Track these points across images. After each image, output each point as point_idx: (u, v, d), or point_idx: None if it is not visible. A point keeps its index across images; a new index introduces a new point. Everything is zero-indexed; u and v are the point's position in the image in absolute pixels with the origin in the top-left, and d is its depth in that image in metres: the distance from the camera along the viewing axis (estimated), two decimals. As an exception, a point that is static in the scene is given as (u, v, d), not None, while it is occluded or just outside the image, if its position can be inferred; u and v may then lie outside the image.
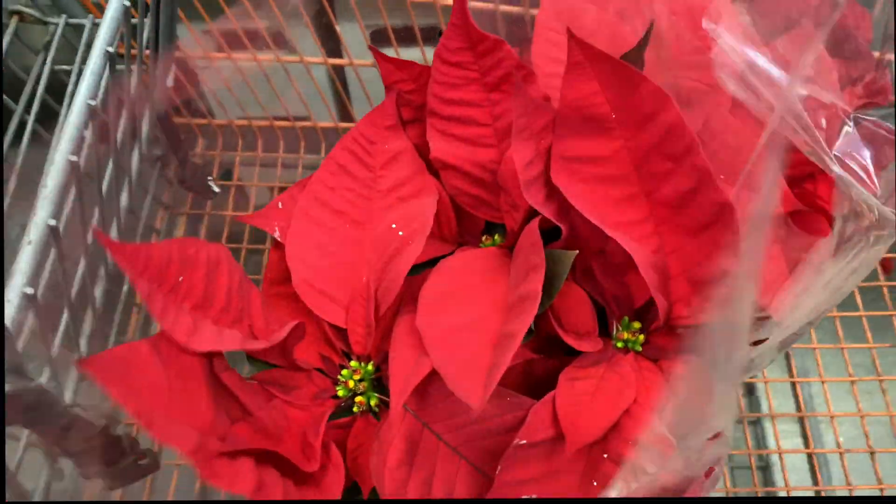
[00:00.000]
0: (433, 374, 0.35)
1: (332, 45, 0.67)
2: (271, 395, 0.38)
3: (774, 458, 0.62)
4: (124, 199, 0.52)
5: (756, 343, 0.38)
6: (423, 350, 0.34)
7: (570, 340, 0.35)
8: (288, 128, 0.70)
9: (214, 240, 0.57)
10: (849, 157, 0.36)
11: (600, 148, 0.34)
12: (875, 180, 0.37)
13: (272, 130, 0.71)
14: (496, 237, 0.41)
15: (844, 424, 0.60)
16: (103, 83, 0.39)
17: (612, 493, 0.31)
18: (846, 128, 0.37)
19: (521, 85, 0.33)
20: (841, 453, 0.56)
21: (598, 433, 0.33)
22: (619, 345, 0.37)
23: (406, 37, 0.65)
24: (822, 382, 0.59)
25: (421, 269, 0.39)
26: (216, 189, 0.67)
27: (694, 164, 0.32)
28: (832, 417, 0.58)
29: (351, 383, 0.38)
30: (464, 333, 0.34)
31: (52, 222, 0.33)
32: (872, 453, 0.55)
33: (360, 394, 0.38)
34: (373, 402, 0.38)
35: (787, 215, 0.37)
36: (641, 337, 0.37)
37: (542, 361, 0.38)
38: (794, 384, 0.62)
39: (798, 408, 0.62)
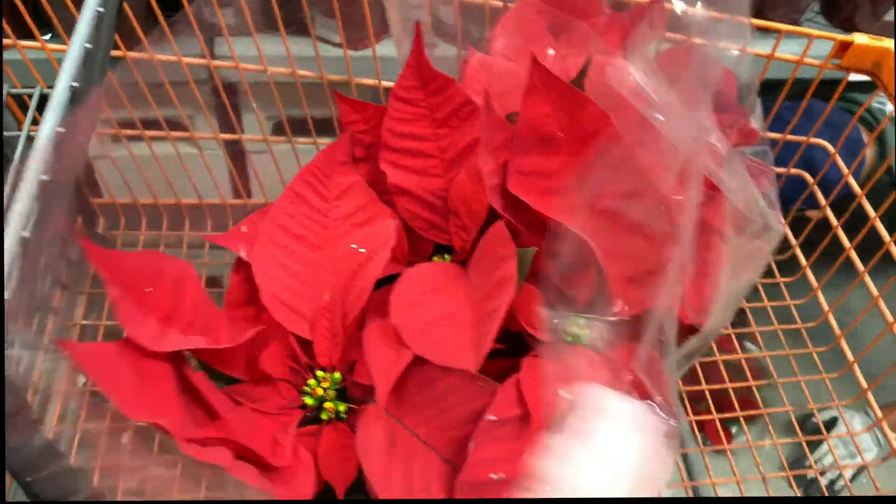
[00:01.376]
0: (408, 373, 0.37)
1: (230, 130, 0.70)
2: (239, 403, 0.38)
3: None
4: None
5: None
6: (401, 345, 0.36)
7: (530, 331, 0.39)
8: (194, 206, 0.70)
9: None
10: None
11: (550, 163, 0.40)
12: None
13: (178, 209, 0.70)
14: (445, 256, 0.45)
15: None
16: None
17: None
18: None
19: (488, 104, 0.38)
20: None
21: (560, 409, 0.36)
22: (569, 339, 0.41)
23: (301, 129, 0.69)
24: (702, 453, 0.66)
25: (378, 286, 0.42)
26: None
27: (631, 170, 0.38)
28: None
29: (319, 391, 0.39)
30: (442, 324, 0.36)
31: None
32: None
33: (329, 401, 0.39)
34: (341, 409, 0.39)
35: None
36: (587, 331, 0.41)
37: (497, 363, 0.42)
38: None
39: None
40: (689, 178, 0.36)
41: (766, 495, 0.62)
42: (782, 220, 0.43)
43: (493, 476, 0.36)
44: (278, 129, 0.70)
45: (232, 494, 0.33)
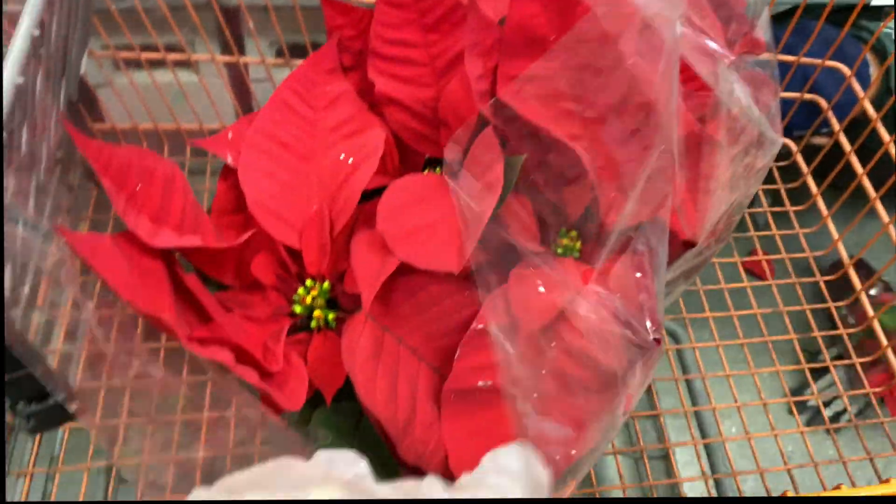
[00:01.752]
0: (394, 281, 0.37)
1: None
2: (229, 309, 0.38)
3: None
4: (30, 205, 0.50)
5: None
6: (387, 252, 0.36)
7: (519, 241, 0.38)
8: (195, 132, 0.70)
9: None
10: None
11: (540, 68, 0.38)
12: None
13: (178, 135, 0.70)
14: (437, 170, 0.44)
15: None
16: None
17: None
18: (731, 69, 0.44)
19: (475, 4, 0.37)
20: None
21: (547, 319, 0.36)
22: (560, 251, 0.40)
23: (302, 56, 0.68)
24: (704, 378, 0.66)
25: (368, 197, 0.41)
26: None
27: (621, 75, 0.37)
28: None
29: (308, 300, 0.39)
30: (427, 231, 0.36)
31: None
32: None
33: (318, 309, 0.39)
34: (330, 317, 0.39)
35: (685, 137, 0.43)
36: (578, 244, 0.40)
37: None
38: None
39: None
40: (667, 66, 0.34)
41: (768, 420, 0.62)
42: (781, 132, 0.42)
43: (481, 383, 0.36)
44: (280, 57, 0.69)
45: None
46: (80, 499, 0.49)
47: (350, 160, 0.41)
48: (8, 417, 0.41)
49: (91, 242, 0.30)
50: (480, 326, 0.35)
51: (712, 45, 0.39)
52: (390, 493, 0.23)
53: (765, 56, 0.45)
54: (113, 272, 0.30)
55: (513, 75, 0.38)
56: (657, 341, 0.37)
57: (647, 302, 0.38)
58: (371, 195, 0.41)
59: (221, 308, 0.37)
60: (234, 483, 0.22)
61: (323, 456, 0.24)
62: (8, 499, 0.49)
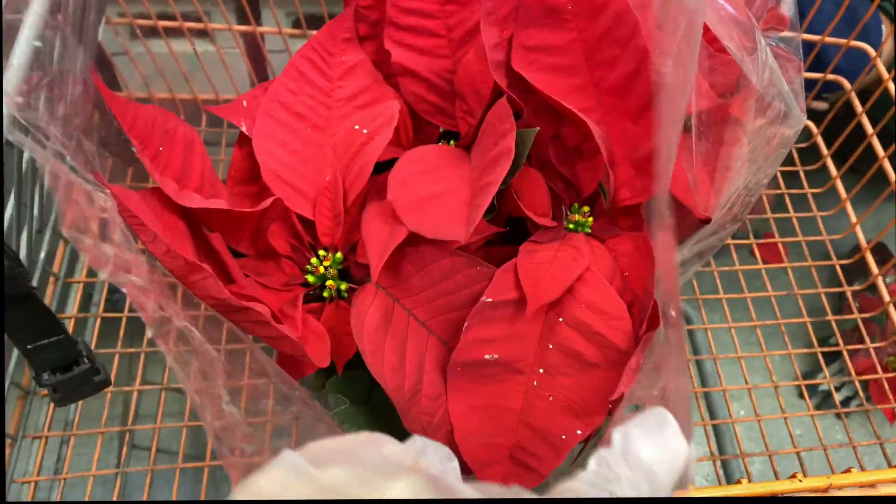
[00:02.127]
0: (404, 253, 0.37)
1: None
2: (245, 275, 0.39)
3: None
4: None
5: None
6: (397, 222, 0.36)
7: (531, 215, 0.38)
8: (211, 101, 0.70)
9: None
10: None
11: (556, 38, 0.38)
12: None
13: (194, 105, 0.70)
14: (451, 142, 0.44)
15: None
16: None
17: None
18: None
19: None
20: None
21: (556, 294, 0.36)
22: (571, 226, 0.40)
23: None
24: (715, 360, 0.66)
25: (382, 169, 0.41)
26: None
27: (637, 46, 0.36)
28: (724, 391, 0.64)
29: (321, 270, 0.39)
30: (436, 201, 0.36)
31: None
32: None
33: (330, 279, 0.39)
34: (343, 287, 0.39)
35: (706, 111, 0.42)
36: (590, 220, 0.40)
37: (498, 249, 0.41)
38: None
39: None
40: (687, 37, 0.34)
41: (778, 403, 0.62)
42: (805, 110, 0.41)
43: (487, 356, 0.36)
44: (296, 27, 0.69)
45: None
46: (95, 462, 0.49)
47: (364, 130, 0.41)
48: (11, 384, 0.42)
49: (122, 192, 0.31)
50: (489, 300, 0.35)
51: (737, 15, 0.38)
52: (473, 493, 0.21)
53: (789, 33, 0.44)
54: (147, 219, 0.30)
55: (528, 45, 0.38)
56: (675, 321, 0.36)
57: (663, 280, 0.38)
58: (384, 167, 0.41)
59: (241, 272, 0.37)
60: (321, 448, 0.21)
61: (418, 443, 0.23)
62: (21, 460, 0.50)
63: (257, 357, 0.35)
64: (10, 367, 0.48)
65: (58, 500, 0.48)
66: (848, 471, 0.33)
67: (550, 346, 0.37)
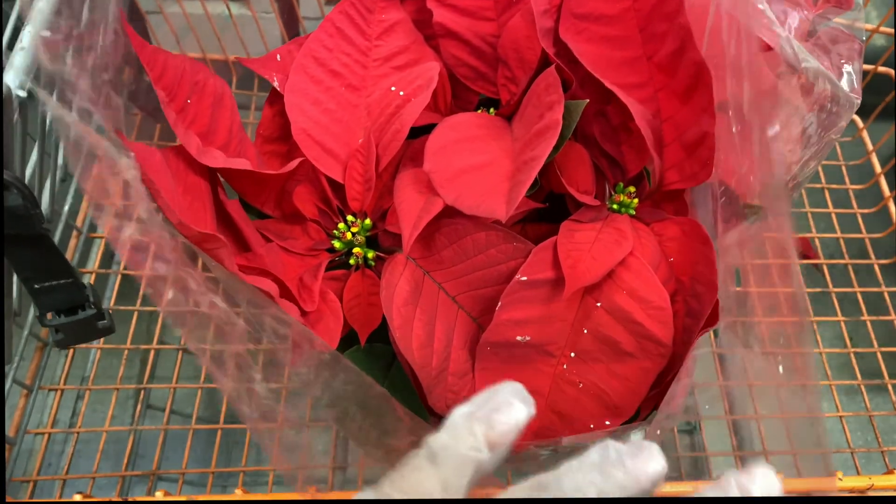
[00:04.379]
0: (438, 224, 0.35)
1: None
2: (268, 239, 0.37)
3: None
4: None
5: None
6: (433, 192, 0.34)
7: (573, 192, 0.36)
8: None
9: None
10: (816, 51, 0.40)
11: (609, 7, 0.36)
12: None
13: (226, 66, 0.69)
14: (491, 110, 0.42)
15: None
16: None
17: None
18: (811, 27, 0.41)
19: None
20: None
21: (596, 277, 0.34)
22: (615, 207, 0.38)
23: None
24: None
25: (417, 134, 0.39)
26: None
27: (681, 24, 0.34)
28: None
29: (348, 235, 0.38)
30: (476, 173, 0.34)
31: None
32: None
33: (357, 246, 0.38)
34: (370, 255, 0.38)
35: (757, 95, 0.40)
36: (636, 201, 0.38)
37: (536, 226, 0.39)
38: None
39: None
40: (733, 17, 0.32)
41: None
42: (860, 93, 0.39)
43: (519, 338, 0.35)
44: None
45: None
46: (108, 419, 0.49)
47: (401, 93, 0.39)
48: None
49: (144, 153, 0.29)
50: (524, 278, 0.34)
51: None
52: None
53: (851, 13, 0.42)
54: (164, 184, 0.29)
55: (579, 13, 0.36)
56: (714, 316, 0.35)
57: (705, 268, 0.36)
58: (419, 132, 0.39)
59: (261, 237, 0.36)
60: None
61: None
62: (37, 411, 0.49)
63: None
64: (28, 319, 0.47)
65: (58, 499, 0.47)
66: (890, 472, 0.31)
67: (585, 331, 0.35)
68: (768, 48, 0.38)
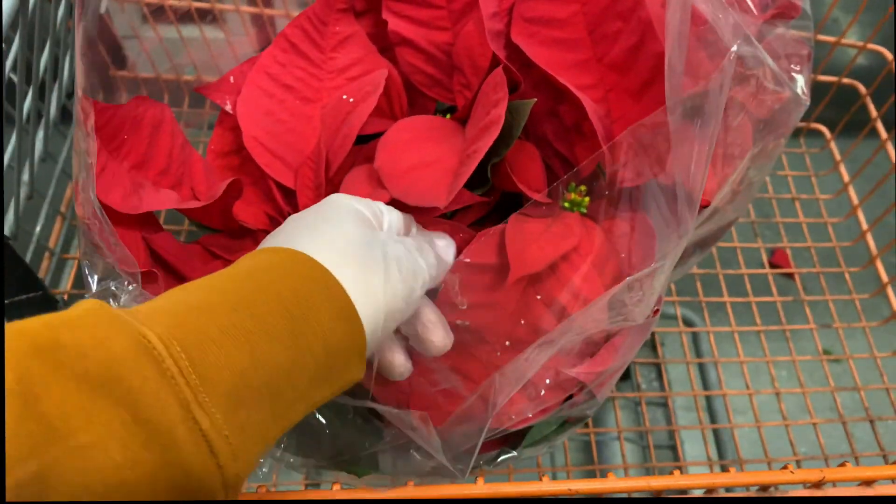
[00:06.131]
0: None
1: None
2: (214, 255, 0.38)
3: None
4: (39, 143, 0.50)
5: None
6: (379, 185, 0.35)
7: (525, 190, 0.37)
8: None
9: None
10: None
11: (558, 10, 0.37)
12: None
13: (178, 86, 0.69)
14: (447, 116, 0.43)
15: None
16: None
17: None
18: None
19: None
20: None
21: (541, 265, 0.34)
22: (566, 205, 0.39)
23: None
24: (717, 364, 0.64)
25: (370, 140, 0.40)
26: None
27: (640, 18, 0.35)
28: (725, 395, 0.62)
29: (301, 240, 0.38)
30: (423, 170, 0.35)
31: None
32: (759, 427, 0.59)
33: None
34: (322, 259, 0.38)
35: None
36: (587, 199, 0.39)
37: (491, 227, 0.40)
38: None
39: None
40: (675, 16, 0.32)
41: (780, 410, 0.60)
42: (808, 95, 0.40)
43: (459, 323, 0.35)
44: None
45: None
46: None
47: (351, 100, 0.40)
48: None
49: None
50: (467, 260, 0.34)
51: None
52: None
53: (800, 21, 0.43)
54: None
55: (529, 17, 0.37)
56: (654, 312, 0.35)
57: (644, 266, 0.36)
58: (371, 139, 0.39)
59: (202, 258, 0.36)
60: None
61: None
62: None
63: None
64: None
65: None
66: (843, 465, 0.31)
67: (522, 322, 0.35)
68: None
